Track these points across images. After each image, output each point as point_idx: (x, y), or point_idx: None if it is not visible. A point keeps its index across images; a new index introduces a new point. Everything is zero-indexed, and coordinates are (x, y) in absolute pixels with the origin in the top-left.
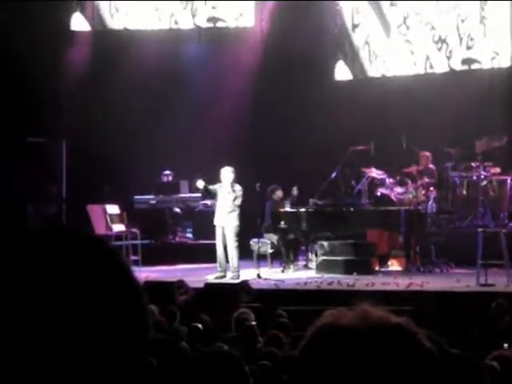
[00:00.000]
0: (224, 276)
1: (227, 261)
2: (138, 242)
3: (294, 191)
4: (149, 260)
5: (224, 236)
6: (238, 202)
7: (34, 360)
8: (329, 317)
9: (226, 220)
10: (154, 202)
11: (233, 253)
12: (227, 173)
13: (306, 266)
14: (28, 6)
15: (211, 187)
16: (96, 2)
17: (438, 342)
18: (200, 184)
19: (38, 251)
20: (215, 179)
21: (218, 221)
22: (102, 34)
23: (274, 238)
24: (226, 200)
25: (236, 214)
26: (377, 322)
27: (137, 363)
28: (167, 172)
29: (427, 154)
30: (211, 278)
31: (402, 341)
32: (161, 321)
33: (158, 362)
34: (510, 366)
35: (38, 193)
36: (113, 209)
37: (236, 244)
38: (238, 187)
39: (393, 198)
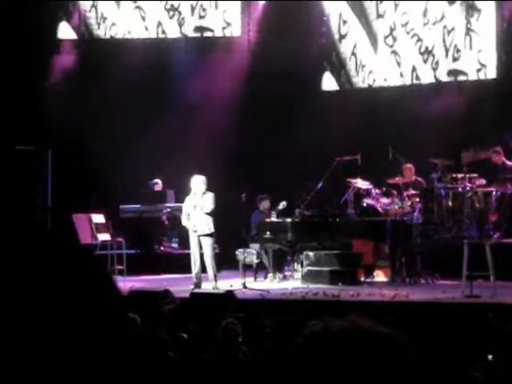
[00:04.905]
0: (198, 285)
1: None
2: (124, 251)
3: (281, 206)
4: (134, 269)
5: (199, 243)
6: (207, 210)
7: (14, 363)
8: (319, 325)
9: (200, 227)
10: (139, 211)
11: (210, 262)
12: (198, 182)
13: (291, 277)
14: (14, 14)
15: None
16: (83, 10)
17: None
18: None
19: (23, 259)
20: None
21: (192, 227)
22: (88, 43)
23: (260, 247)
24: (197, 207)
25: (209, 220)
26: (367, 332)
27: (116, 370)
28: (156, 180)
29: (409, 165)
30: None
31: (392, 351)
32: (146, 330)
33: (140, 369)
34: (494, 378)
35: (23, 201)
36: (98, 218)
37: (212, 253)
38: (207, 196)
39: (378, 208)
